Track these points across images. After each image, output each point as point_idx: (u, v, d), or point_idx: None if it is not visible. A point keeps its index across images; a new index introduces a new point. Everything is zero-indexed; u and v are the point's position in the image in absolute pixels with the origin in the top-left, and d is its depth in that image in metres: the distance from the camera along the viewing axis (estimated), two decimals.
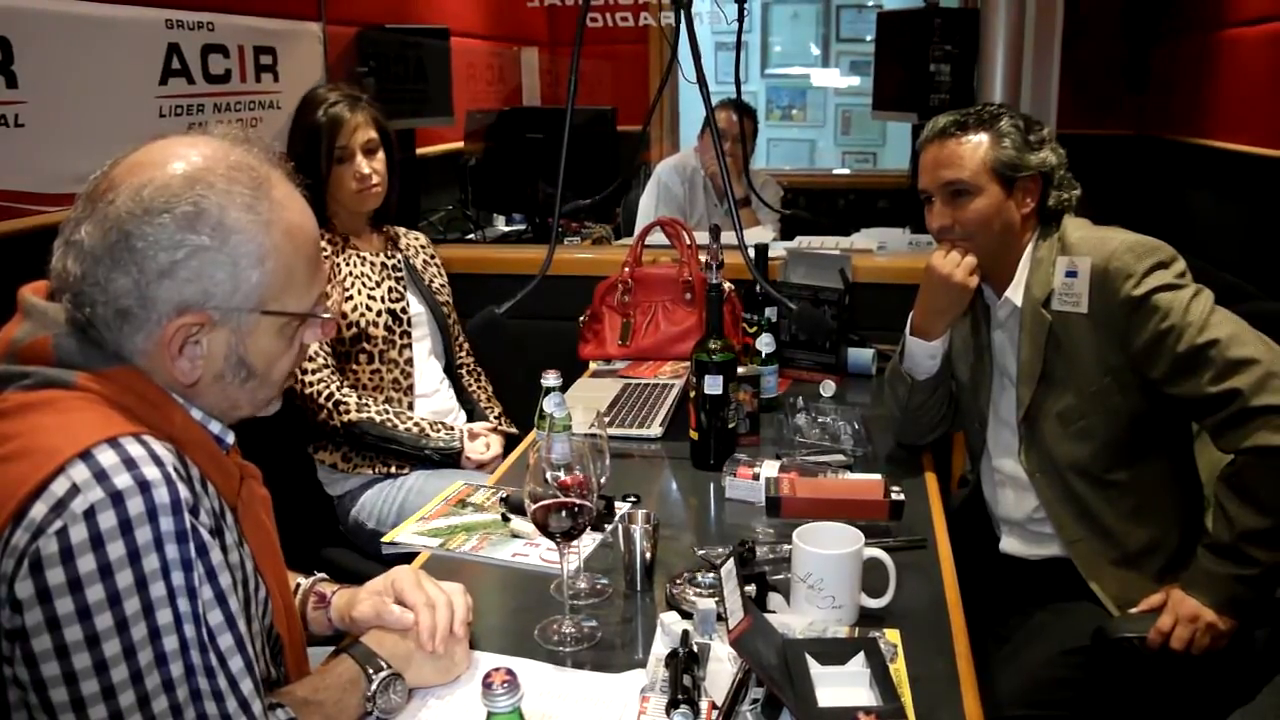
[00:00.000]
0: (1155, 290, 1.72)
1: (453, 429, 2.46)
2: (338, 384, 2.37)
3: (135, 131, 1.13)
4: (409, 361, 2.49)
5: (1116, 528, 1.83)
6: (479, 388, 2.76)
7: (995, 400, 2.00)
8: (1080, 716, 1.75)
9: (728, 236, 2.26)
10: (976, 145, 1.84)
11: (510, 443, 2.56)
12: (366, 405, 2.38)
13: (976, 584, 1.71)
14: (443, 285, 2.68)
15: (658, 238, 2.80)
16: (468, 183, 4.08)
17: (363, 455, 2.44)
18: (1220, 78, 3.39)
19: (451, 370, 2.68)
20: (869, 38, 6.12)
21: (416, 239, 2.71)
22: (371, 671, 1.23)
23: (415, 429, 2.40)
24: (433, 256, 2.72)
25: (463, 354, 2.77)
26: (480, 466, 2.43)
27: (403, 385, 2.49)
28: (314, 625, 1.40)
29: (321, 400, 2.35)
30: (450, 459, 2.42)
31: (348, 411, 2.35)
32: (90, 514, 0.93)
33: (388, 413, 2.39)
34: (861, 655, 1.25)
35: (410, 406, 2.50)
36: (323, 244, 2.43)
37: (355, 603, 1.35)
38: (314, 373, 2.35)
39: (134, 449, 0.98)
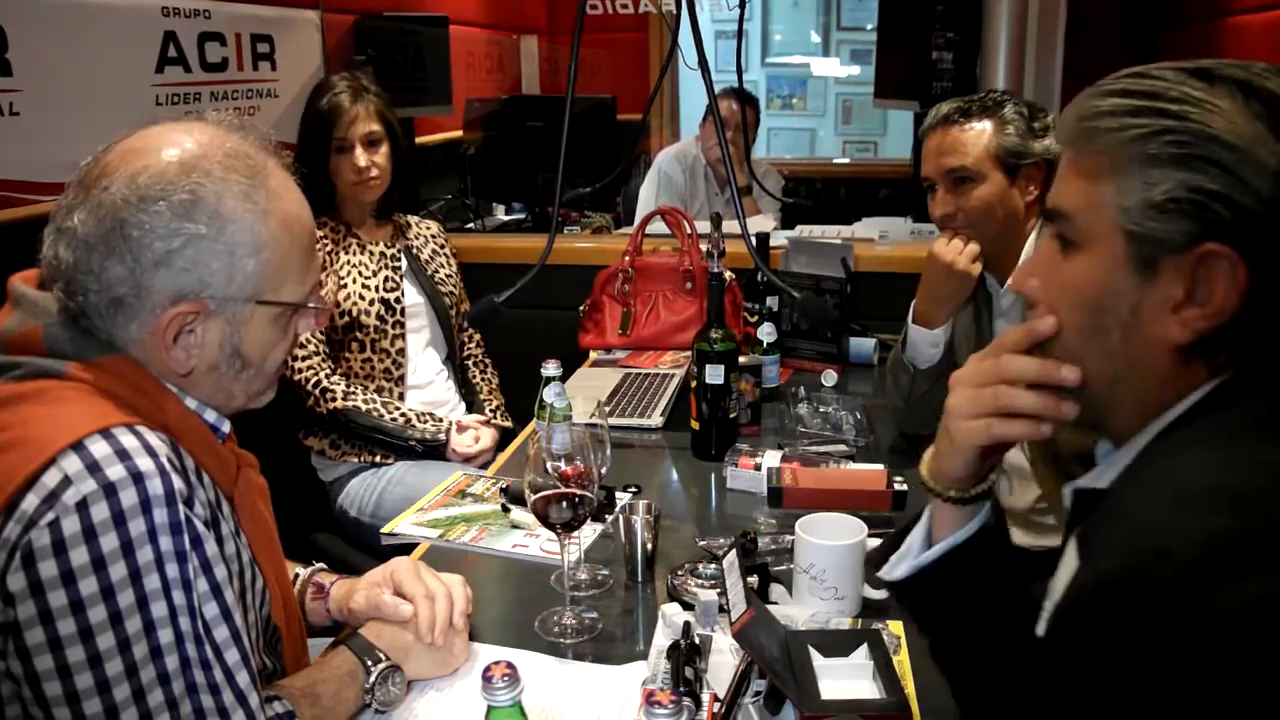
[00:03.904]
0: None
1: (440, 421, 2.44)
2: (327, 371, 2.37)
3: (131, 120, 1.11)
4: (401, 352, 2.48)
5: None
6: (483, 380, 2.75)
7: None
8: None
9: (729, 225, 2.25)
10: (980, 132, 1.83)
11: (505, 436, 2.55)
12: (354, 394, 2.37)
13: None
14: (448, 276, 2.66)
15: (658, 227, 2.79)
16: (467, 172, 4.06)
17: (350, 443, 2.43)
18: None
19: (455, 361, 2.67)
20: (870, 26, 6.10)
21: (428, 228, 2.69)
22: (370, 663, 1.23)
23: (401, 419, 2.39)
24: (443, 246, 2.70)
25: (471, 345, 2.76)
26: (467, 460, 2.42)
27: (394, 375, 2.48)
28: (312, 616, 1.39)
29: (309, 387, 2.34)
30: (435, 451, 2.41)
31: (334, 399, 2.35)
32: (83, 506, 0.92)
33: (374, 402, 2.39)
34: (865, 647, 1.24)
35: (401, 397, 2.49)
36: (325, 232, 2.43)
37: (353, 594, 1.35)
38: (304, 359, 2.35)
39: (127, 440, 0.97)
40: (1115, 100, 0.84)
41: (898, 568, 1.04)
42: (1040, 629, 0.91)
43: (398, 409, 2.41)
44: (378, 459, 2.42)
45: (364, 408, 2.37)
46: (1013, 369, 0.92)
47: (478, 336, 2.78)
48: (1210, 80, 0.81)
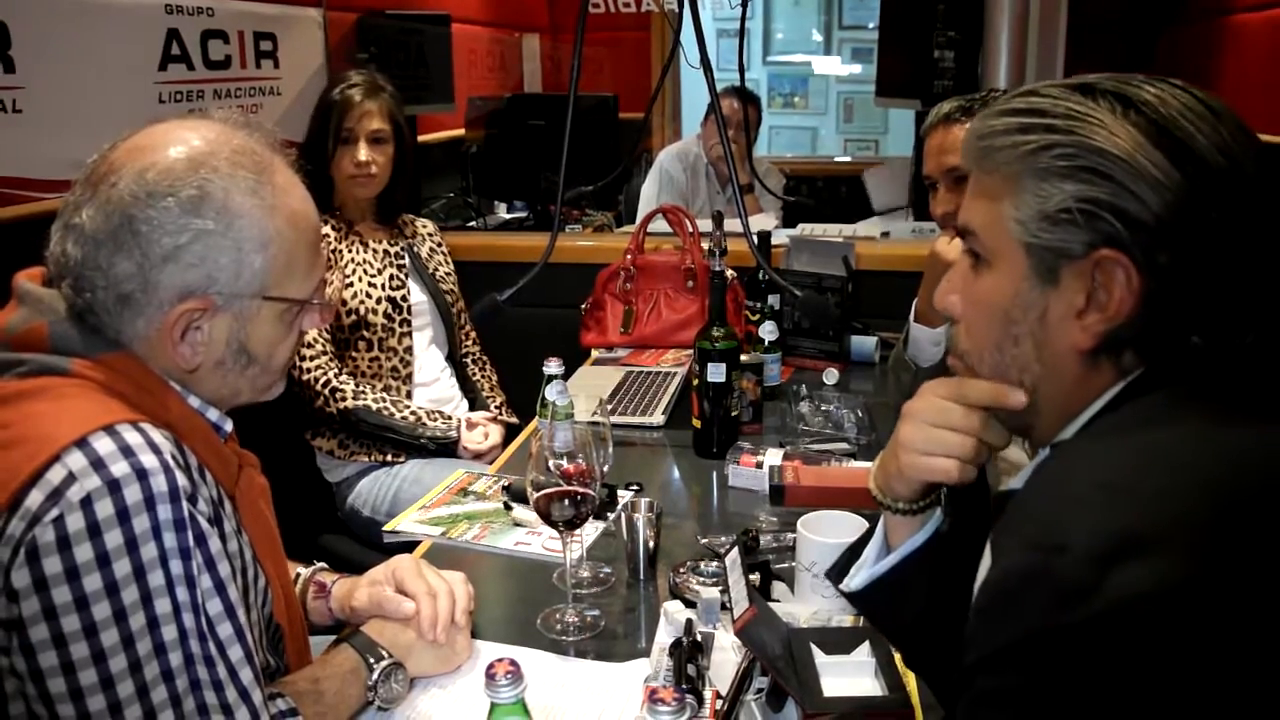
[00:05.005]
0: None
1: (450, 418, 2.45)
2: (335, 371, 2.37)
3: (134, 117, 1.12)
4: (408, 350, 2.48)
5: None
6: (483, 377, 2.75)
7: None
8: None
9: (730, 224, 2.25)
10: None
11: (510, 432, 2.55)
12: (363, 393, 2.37)
13: None
14: (447, 274, 2.67)
15: (660, 225, 2.79)
16: (469, 170, 4.06)
17: (359, 443, 2.43)
18: (1224, 64, 3.37)
19: (455, 359, 2.67)
20: (871, 24, 6.10)
21: (424, 226, 2.70)
22: (372, 661, 1.23)
23: (411, 417, 2.39)
24: (440, 244, 2.70)
25: (469, 343, 2.76)
26: (477, 456, 2.42)
27: (401, 374, 2.48)
28: (314, 615, 1.39)
29: (318, 387, 2.34)
30: (446, 448, 2.41)
31: (344, 399, 2.34)
32: (87, 502, 0.92)
33: (384, 400, 2.39)
34: (867, 644, 1.24)
35: (409, 395, 2.49)
36: (326, 230, 2.43)
37: (355, 592, 1.35)
38: (311, 359, 2.35)
39: (131, 436, 0.97)
40: (1006, 120, 0.87)
41: (855, 578, 1.07)
42: None
43: (408, 407, 2.42)
44: (388, 458, 2.42)
45: (374, 406, 2.37)
46: (984, 433, 0.95)
47: (474, 334, 2.78)
48: (1092, 95, 0.84)
